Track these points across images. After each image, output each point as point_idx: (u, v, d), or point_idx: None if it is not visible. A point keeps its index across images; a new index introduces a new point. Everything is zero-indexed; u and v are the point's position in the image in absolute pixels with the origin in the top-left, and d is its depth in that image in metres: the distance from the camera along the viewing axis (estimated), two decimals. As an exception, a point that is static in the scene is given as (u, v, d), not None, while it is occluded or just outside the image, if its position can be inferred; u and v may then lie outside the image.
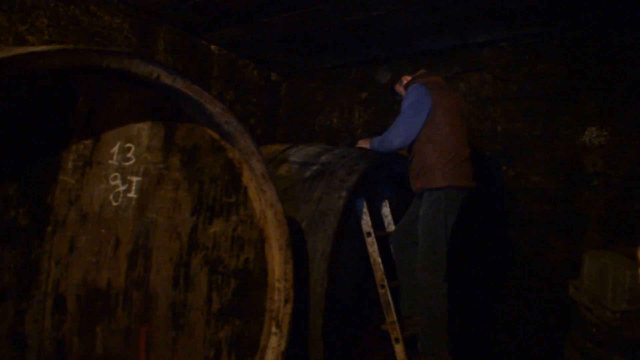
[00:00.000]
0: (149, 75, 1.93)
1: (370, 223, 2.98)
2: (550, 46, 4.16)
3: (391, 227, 3.27)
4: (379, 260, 3.00)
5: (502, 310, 4.18)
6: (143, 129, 2.01)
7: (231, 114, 2.13)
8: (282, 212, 2.32)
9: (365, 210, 2.95)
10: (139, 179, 2.00)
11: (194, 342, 2.20)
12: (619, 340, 3.11)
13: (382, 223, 3.28)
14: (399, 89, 3.60)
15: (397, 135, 3.02)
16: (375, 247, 2.99)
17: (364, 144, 3.39)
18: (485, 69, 4.38)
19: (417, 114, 3.01)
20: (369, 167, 2.90)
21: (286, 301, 2.40)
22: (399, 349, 3.04)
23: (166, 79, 1.97)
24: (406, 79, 3.55)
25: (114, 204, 1.95)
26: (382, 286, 3.01)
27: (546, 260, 4.14)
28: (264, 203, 2.30)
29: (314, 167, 2.93)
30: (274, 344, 2.40)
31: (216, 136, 2.19)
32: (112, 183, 1.94)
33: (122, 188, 1.97)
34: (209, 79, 4.33)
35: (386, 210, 3.27)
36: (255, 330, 2.39)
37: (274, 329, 2.40)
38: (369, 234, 2.97)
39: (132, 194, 1.99)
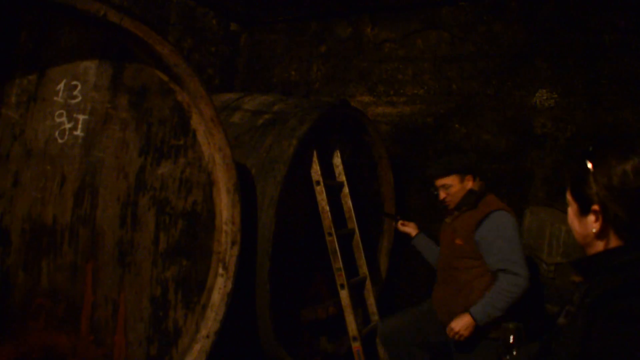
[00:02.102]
0: (96, 12, 1.92)
1: (319, 172, 3.05)
2: (508, 7, 4.23)
3: (342, 177, 3.36)
4: (327, 208, 3.08)
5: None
6: (90, 68, 2.01)
7: (180, 56, 2.14)
8: (231, 156, 2.37)
9: (314, 159, 3.02)
10: (86, 117, 2.01)
11: (141, 280, 2.26)
12: (552, 290, 3.31)
13: (333, 173, 3.36)
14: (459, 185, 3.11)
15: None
16: (324, 195, 3.07)
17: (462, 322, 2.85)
18: (443, 28, 4.43)
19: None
20: (321, 117, 2.96)
21: (233, 244, 2.47)
22: (344, 294, 3.16)
23: (114, 17, 1.97)
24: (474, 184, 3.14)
25: (60, 141, 1.96)
26: (330, 234, 3.11)
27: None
28: (212, 147, 2.34)
29: (267, 116, 2.97)
30: (220, 285, 2.48)
31: (165, 78, 2.20)
32: (58, 120, 1.95)
33: (68, 125, 1.98)
34: (166, 26, 4.26)
35: (337, 160, 3.34)
36: (203, 271, 2.47)
37: (220, 271, 2.48)
38: (317, 183, 3.05)
39: (78, 132, 2.00)
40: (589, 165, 1.41)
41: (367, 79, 4.64)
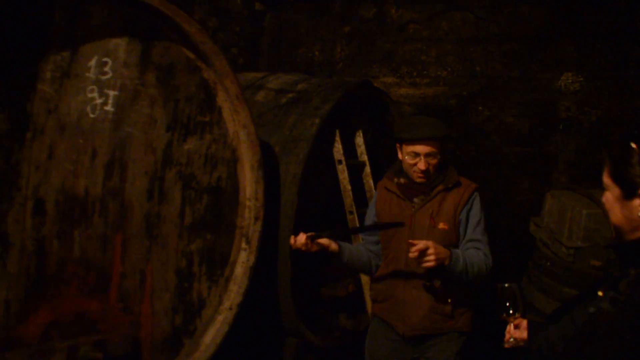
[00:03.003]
0: (126, -10, 1.98)
1: (341, 151, 3.09)
2: (534, -13, 4.19)
3: (364, 157, 3.39)
4: (349, 187, 3.13)
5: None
6: (120, 45, 2.07)
7: (207, 34, 2.19)
8: (255, 133, 2.43)
9: (337, 138, 3.06)
10: (116, 93, 2.08)
11: (167, 253, 2.34)
12: (571, 274, 3.32)
13: (355, 152, 3.40)
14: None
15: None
16: (346, 174, 3.12)
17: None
18: (468, 9, 4.40)
19: None
20: (344, 97, 2.99)
21: (256, 219, 2.54)
22: (364, 272, 3.22)
23: (143, -5, 2.02)
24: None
25: (92, 115, 2.04)
26: (351, 212, 3.16)
27: (515, 200, 4.31)
28: (237, 124, 2.40)
29: (290, 95, 3.01)
30: (243, 259, 2.56)
31: (192, 56, 2.26)
32: (90, 95, 2.02)
33: (99, 101, 2.05)
34: (192, 5, 4.32)
35: (359, 140, 3.38)
36: (226, 245, 2.54)
37: (243, 245, 2.55)
38: (340, 162, 3.09)
39: (109, 107, 2.08)
40: (634, 146, 1.37)
41: (390, 59, 4.64)
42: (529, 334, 1.78)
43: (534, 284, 3.65)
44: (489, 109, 4.35)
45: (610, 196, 1.45)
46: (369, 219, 2.73)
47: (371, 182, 3.46)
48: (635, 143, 1.38)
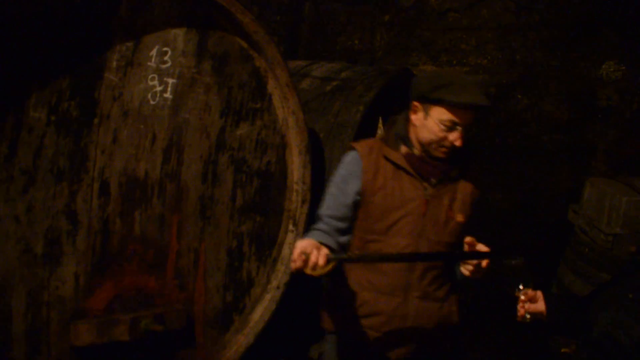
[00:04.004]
0: (186, -17, 2.08)
1: (384, 138, 3.16)
2: (576, -25, 4.17)
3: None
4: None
5: (507, 233, 4.40)
6: (179, 35, 2.18)
7: (259, 24, 2.28)
8: (303, 119, 2.51)
9: (379, 125, 3.13)
10: (174, 81, 2.19)
11: (220, 233, 2.46)
12: (608, 260, 3.34)
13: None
14: None
15: None
16: (388, 161, 3.18)
17: None
18: (508, -4, 4.40)
19: None
20: (386, 85, 3.06)
21: (303, 202, 2.63)
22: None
23: (201, -13, 2.12)
24: None
25: (152, 102, 2.16)
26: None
27: (553, 187, 4.32)
28: (286, 110, 2.49)
29: (335, 82, 3.09)
30: (290, 240, 2.66)
31: (245, 45, 2.35)
32: (151, 83, 2.14)
33: (159, 88, 2.16)
34: (235, -5, 4.41)
35: (400, 128, 3.44)
36: (274, 227, 2.64)
37: (291, 227, 2.65)
38: (382, 148, 3.16)
39: (167, 95, 2.19)
40: None
41: (430, 48, 4.68)
42: (548, 307, 1.78)
43: (571, 269, 3.68)
44: (528, 97, 4.36)
45: None
46: (338, 194, 1.99)
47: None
48: None
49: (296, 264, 1.65)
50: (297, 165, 2.56)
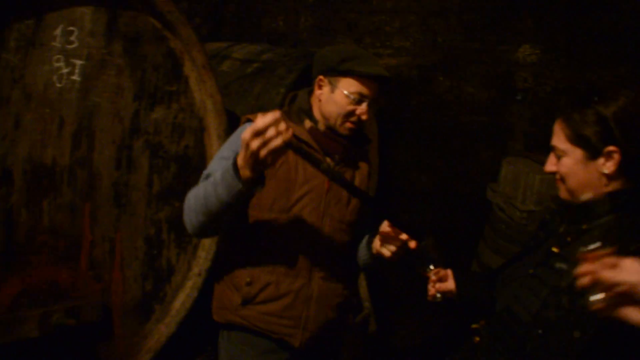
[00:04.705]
0: (91, -42, 1.97)
1: (307, 121, 3.15)
2: (495, -41, 4.27)
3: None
4: (314, 156, 3.19)
5: (430, 214, 4.51)
6: (86, 13, 2.06)
7: (172, 3, 2.20)
8: (222, 102, 2.46)
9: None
10: (82, 62, 2.08)
11: (136, 221, 2.37)
12: (523, 236, 3.49)
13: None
14: None
15: None
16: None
17: None
18: (430, -20, 4.46)
19: None
20: (308, 67, 3.03)
21: (224, 187, 2.58)
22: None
23: (108, -37, 2.01)
24: None
25: (58, 85, 2.03)
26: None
27: (474, 167, 4.45)
28: (204, 93, 2.42)
29: (255, 64, 3.04)
30: (211, 226, 2.60)
31: (159, 25, 2.26)
32: (56, 65, 2.02)
33: (65, 70, 2.05)
34: (154, -28, 4.24)
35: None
36: (195, 213, 2.58)
37: (212, 213, 2.60)
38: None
39: (75, 77, 2.07)
40: (601, 108, 1.42)
41: (354, 30, 4.68)
42: (457, 285, 1.82)
43: (489, 246, 3.83)
44: (450, 79, 4.45)
45: (569, 161, 1.49)
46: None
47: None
48: (600, 103, 1.44)
49: (252, 146, 1.42)
50: (216, 149, 2.51)
